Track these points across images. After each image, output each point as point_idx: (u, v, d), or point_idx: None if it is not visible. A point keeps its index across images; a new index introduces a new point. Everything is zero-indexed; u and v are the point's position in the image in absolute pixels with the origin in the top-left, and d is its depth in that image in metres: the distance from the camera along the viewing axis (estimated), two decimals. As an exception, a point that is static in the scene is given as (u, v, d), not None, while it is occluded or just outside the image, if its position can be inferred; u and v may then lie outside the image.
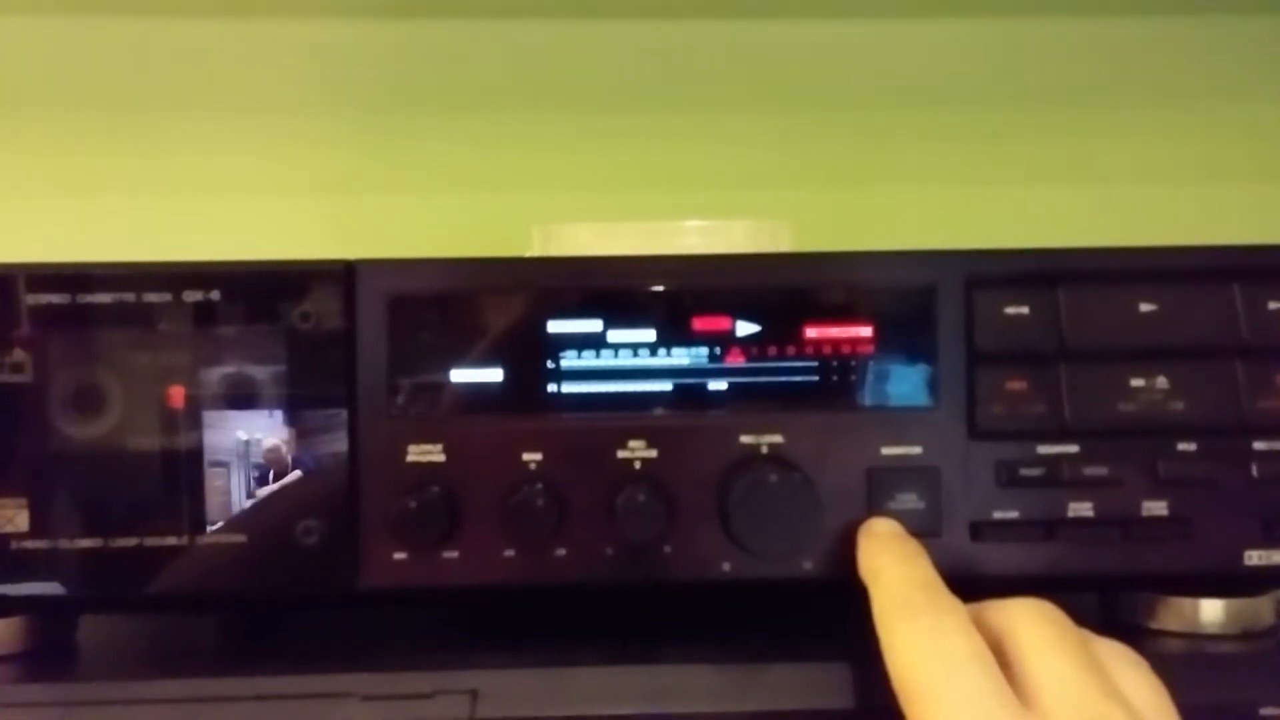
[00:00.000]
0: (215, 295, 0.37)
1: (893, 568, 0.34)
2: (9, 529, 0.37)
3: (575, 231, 0.51)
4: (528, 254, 0.53)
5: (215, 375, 0.38)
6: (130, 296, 0.37)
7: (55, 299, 0.37)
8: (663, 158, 0.71)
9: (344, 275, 0.38)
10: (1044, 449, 0.39)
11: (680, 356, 0.39)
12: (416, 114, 0.71)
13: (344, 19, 0.70)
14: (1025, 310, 0.39)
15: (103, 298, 0.37)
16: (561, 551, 0.38)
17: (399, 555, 0.38)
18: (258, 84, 0.70)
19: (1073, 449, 0.39)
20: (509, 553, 0.38)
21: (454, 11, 0.70)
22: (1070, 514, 0.38)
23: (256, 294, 0.38)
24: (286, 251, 0.67)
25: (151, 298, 0.37)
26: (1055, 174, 0.72)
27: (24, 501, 0.37)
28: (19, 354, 0.37)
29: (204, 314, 0.37)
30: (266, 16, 0.69)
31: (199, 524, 0.38)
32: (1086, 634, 0.33)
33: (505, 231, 0.66)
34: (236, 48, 0.70)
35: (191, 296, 0.37)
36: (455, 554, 0.38)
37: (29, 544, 0.37)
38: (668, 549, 0.38)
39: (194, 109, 0.70)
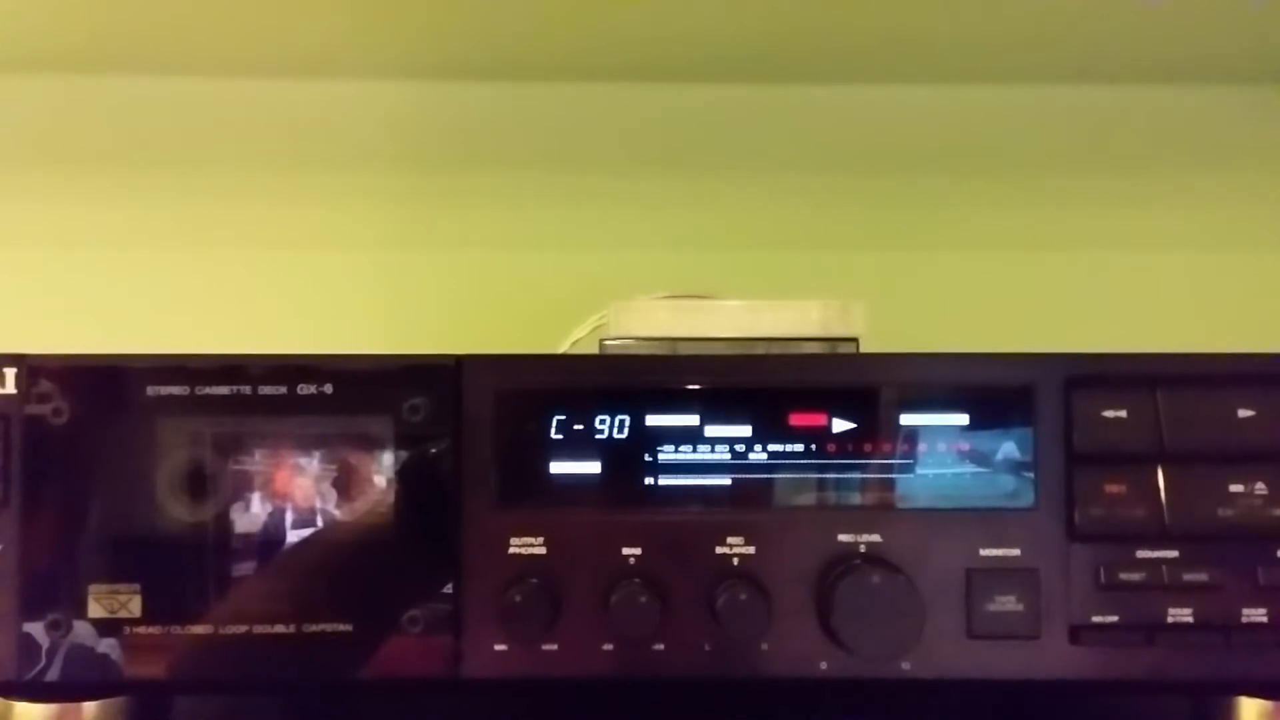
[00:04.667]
0: (328, 388, 0.38)
1: None
2: (122, 614, 0.38)
3: (651, 308, 0.51)
4: (594, 321, 0.54)
5: (326, 466, 0.38)
6: (246, 389, 0.38)
7: (175, 390, 0.38)
8: (725, 219, 0.72)
9: (452, 370, 0.39)
10: (1143, 553, 0.39)
11: (777, 452, 0.40)
12: (474, 172, 0.72)
13: (403, 80, 0.71)
14: (1124, 413, 0.39)
15: (220, 390, 0.38)
16: (660, 646, 0.39)
17: (500, 647, 0.39)
18: (320, 142, 0.72)
19: (1172, 553, 0.39)
20: (608, 646, 0.39)
21: (513, 74, 0.71)
22: (1170, 619, 0.38)
23: (367, 387, 0.39)
24: (344, 304, 0.70)
25: (266, 390, 0.38)
26: (1119, 239, 0.72)
27: (137, 588, 0.38)
28: (136, 444, 0.38)
29: (316, 406, 0.38)
30: (329, 77, 0.71)
31: (306, 612, 0.38)
32: None
33: (566, 291, 0.68)
34: (300, 107, 0.72)
35: (305, 389, 0.38)
36: (555, 646, 0.39)
37: (142, 629, 0.38)
38: (765, 646, 0.39)
39: (258, 165, 0.72)
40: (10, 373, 0.38)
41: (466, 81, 0.72)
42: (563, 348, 0.54)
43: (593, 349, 0.48)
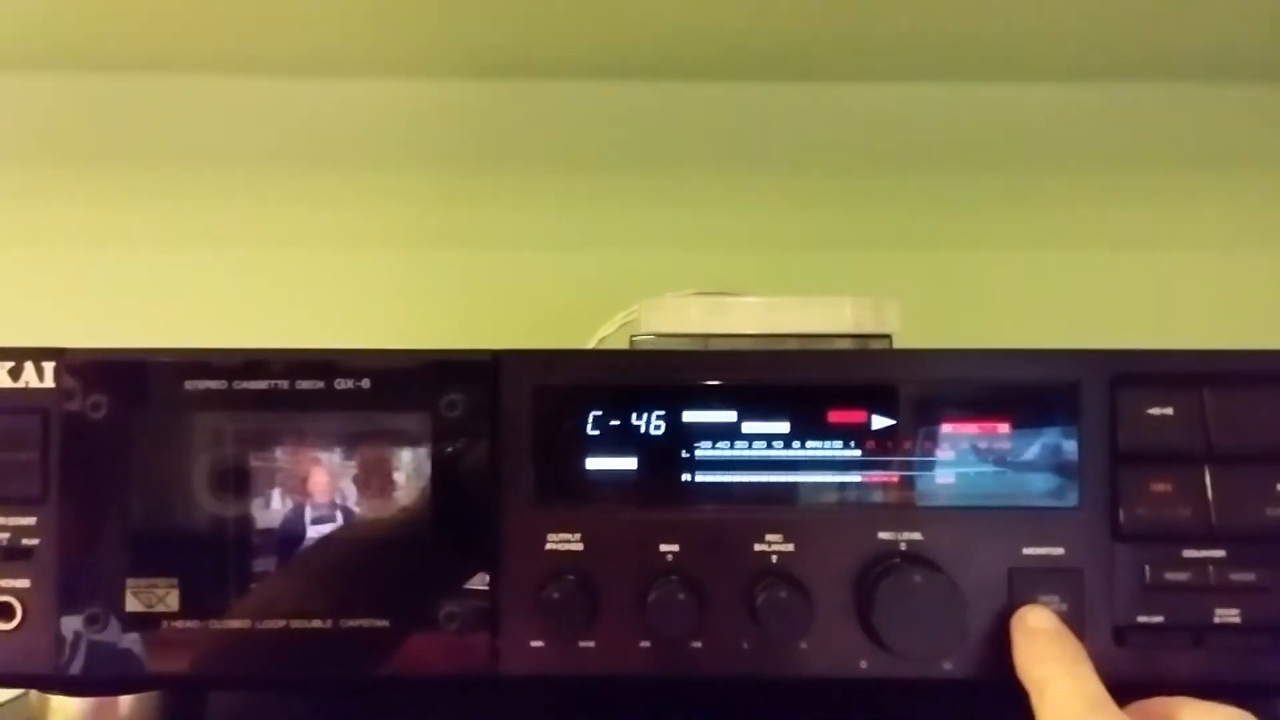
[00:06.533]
0: (365, 384, 0.38)
1: (1060, 679, 0.34)
2: (160, 608, 0.38)
3: (684, 305, 0.51)
4: (622, 318, 0.53)
5: (363, 461, 0.38)
6: (284, 384, 0.38)
7: (213, 385, 0.38)
8: (752, 218, 0.72)
9: (490, 365, 0.39)
10: (1189, 553, 0.38)
11: (815, 449, 0.39)
12: (500, 171, 0.72)
13: (428, 79, 0.71)
14: (1170, 411, 0.38)
15: (257, 385, 0.38)
16: (698, 644, 0.38)
17: (537, 643, 0.38)
18: (347, 142, 0.72)
19: (1219, 553, 0.38)
20: (645, 644, 0.38)
21: (538, 72, 0.71)
22: (1217, 620, 0.38)
23: (405, 383, 0.39)
24: (368, 304, 0.70)
25: (304, 385, 0.38)
26: (1155, 238, 0.71)
27: (175, 582, 0.38)
28: (173, 438, 0.38)
29: (354, 402, 0.38)
30: (357, 76, 0.71)
31: (343, 607, 0.38)
32: None
33: (591, 289, 0.67)
34: (328, 106, 0.71)
35: (342, 385, 0.38)
36: (592, 644, 0.38)
37: (179, 623, 0.38)
38: (804, 645, 0.38)
39: (288, 165, 0.72)
40: (49, 366, 0.38)
41: (492, 80, 0.71)
42: (589, 345, 0.54)
43: (621, 346, 0.48)
